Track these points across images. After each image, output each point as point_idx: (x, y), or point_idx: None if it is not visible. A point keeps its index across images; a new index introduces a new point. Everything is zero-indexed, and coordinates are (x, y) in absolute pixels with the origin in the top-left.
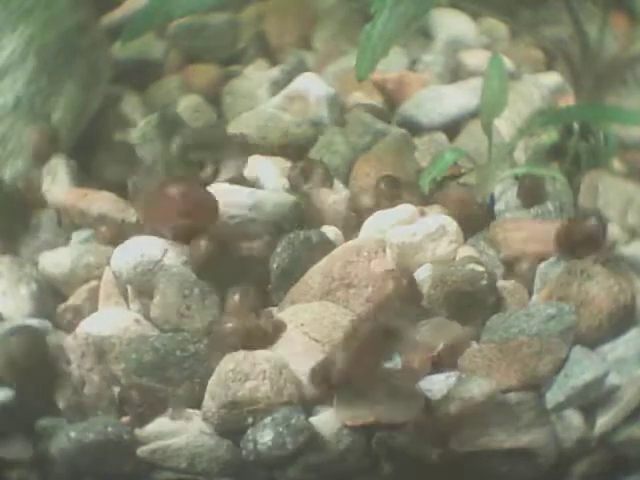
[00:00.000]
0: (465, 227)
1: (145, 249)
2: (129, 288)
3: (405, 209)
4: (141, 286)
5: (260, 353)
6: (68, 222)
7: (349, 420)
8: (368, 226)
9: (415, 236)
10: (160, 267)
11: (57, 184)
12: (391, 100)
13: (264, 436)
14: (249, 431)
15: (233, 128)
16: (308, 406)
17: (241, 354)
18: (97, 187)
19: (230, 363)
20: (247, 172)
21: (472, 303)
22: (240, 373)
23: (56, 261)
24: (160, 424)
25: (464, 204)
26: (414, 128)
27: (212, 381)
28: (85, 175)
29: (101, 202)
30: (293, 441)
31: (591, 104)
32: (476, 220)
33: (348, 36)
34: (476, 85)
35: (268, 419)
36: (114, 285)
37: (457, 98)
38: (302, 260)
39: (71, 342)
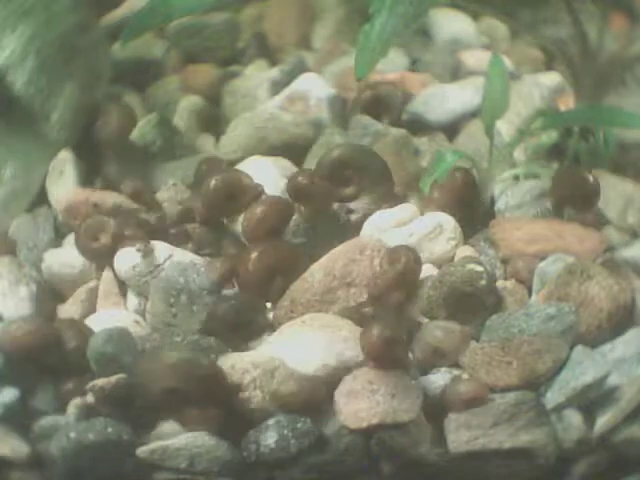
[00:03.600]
0: (463, 223)
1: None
2: (128, 287)
3: (406, 208)
4: (139, 287)
5: (250, 356)
6: (65, 222)
7: (352, 423)
8: (368, 225)
9: (412, 237)
10: (160, 271)
11: (64, 181)
12: None
13: (267, 438)
14: (251, 432)
15: (231, 129)
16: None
17: (231, 360)
18: (100, 187)
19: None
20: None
21: (471, 303)
22: (231, 385)
23: (65, 261)
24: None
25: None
26: (421, 126)
27: None
28: (86, 175)
29: (114, 196)
30: (298, 444)
31: (593, 107)
32: (476, 217)
33: (348, 36)
34: (477, 83)
35: (272, 421)
36: (113, 284)
37: (460, 96)
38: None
39: None
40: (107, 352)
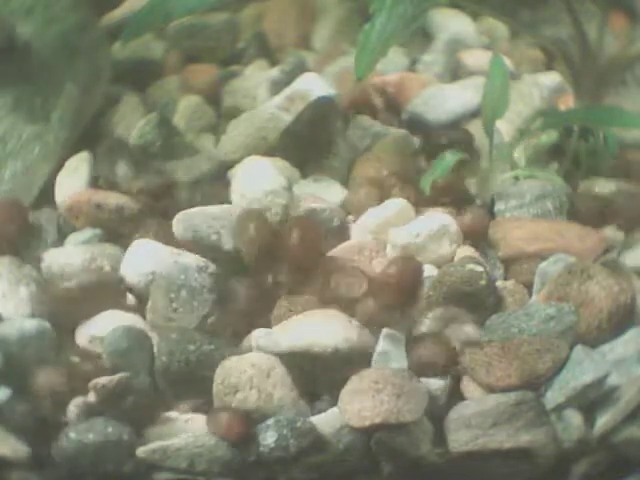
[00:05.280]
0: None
1: (154, 262)
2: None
3: (394, 203)
4: (142, 294)
5: (248, 358)
6: (65, 223)
7: (355, 422)
8: (362, 224)
9: (418, 237)
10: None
11: (75, 178)
12: (392, 102)
13: (267, 438)
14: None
15: (231, 129)
16: (306, 405)
17: (231, 361)
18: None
19: (220, 376)
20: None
21: (471, 303)
22: (229, 386)
23: (64, 261)
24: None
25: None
26: (421, 126)
27: (214, 391)
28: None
29: (116, 196)
30: (297, 444)
31: (593, 107)
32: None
33: (348, 36)
34: (477, 83)
35: (271, 420)
36: None
37: (460, 96)
38: None
39: None
40: (122, 347)
